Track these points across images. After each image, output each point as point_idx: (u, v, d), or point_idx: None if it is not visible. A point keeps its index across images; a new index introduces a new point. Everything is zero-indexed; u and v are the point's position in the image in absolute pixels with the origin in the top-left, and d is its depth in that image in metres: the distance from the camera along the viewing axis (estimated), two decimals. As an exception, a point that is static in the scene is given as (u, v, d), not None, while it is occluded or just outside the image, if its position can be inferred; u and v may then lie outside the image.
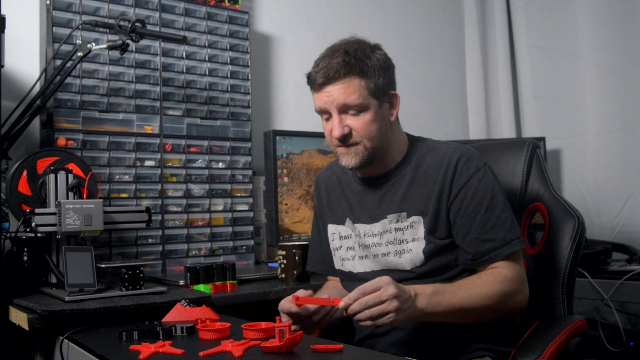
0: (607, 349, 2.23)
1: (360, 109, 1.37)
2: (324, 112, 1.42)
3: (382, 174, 1.48)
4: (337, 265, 1.57)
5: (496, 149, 1.74)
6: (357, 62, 1.37)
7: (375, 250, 1.46)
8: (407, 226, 1.41)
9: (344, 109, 1.38)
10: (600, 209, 2.74)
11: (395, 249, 1.42)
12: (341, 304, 1.20)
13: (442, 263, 1.40)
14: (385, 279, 1.21)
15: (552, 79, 2.93)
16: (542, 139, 2.82)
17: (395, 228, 1.43)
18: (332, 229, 1.58)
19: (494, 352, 1.39)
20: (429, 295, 1.26)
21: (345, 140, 1.39)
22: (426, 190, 1.41)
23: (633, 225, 2.63)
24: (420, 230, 1.40)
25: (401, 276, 1.41)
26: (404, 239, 1.41)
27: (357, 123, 1.38)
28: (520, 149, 1.67)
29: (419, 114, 3.06)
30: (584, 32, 2.80)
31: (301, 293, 1.33)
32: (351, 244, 1.52)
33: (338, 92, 1.36)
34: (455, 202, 1.39)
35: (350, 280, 1.52)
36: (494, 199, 1.38)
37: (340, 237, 1.55)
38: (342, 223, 1.54)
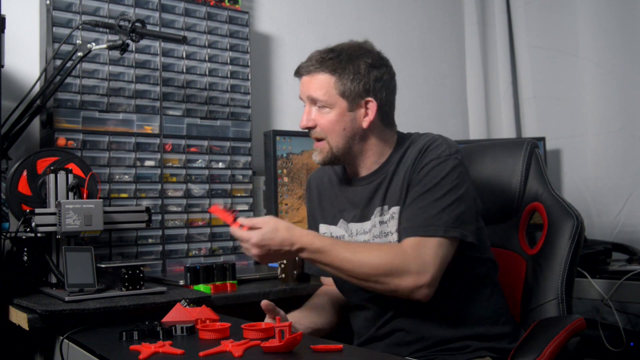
0: (607, 349, 2.23)
1: (324, 105, 1.42)
2: (302, 100, 1.48)
3: (369, 174, 1.49)
4: None
5: (495, 149, 1.74)
6: (332, 61, 1.41)
7: None
8: (389, 218, 1.42)
9: (312, 102, 1.44)
10: (600, 209, 2.73)
11: (380, 241, 1.43)
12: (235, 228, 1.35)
13: None
14: (266, 227, 1.31)
15: (552, 79, 2.93)
16: (542, 139, 2.81)
17: (380, 222, 1.44)
18: (323, 229, 1.59)
19: (494, 351, 1.39)
20: (312, 252, 1.32)
21: (309, 132, 1.46)
22: (401, 180, 1.42)
23: (633, 225, 2.63)
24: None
25: None
26: (388, 231, 1.41)
27: (321, 119, 1.43)
28: (519, 149, 1.67)
29: (419, 114, 3.05)
30: (584, 32, 2.80)
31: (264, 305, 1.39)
32: None
33: (308, 84, 1.44)
34: (411, 184, 1.39)
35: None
36: (437, 186, 1.35)
37: (332, 237, 1.55)
38: (335, 223, 1.55)
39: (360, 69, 1.41)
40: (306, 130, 1.48)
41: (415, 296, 1.31)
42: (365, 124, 1.43)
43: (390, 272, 1.29)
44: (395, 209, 1.41)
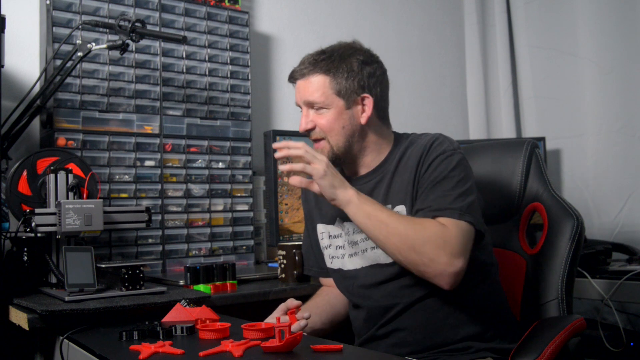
0: (607, 349, 2.23)
1: (321, 106, 1.44)
2: (299, 106, 1.49)
3: (368, 173, 1.50)
4: (327, 263, 1.58)
5: (495, 149, 1.74)
6: (325, 62, 1.43)
7: (364, 245, 1.47)
8: None
9: (309, 105, 1.45)
10: (600, 209, 2.74)
11: None
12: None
13: None
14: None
15: (552, 79, 2.93)
16: (542, 139, 2.82)
17: None
18: (321, 228, 1.59)
19: (495, 352, 1.39)
20: (362, 195, 1.34)
21: (309, 134, 1.48)
22: (406, 179, 1.43)
23: (633, 225, 2.63)
24: None
25: (388, 271, 1.41)
26: None
27: (320, 120, 1.45)
28: (519, 149, 1.67)
29: (419, 114, 3.05)
30: (584, 32, 2.80)
31: (290, 303, 1.41)
32: (341, 243, 1.53)
33: (303, 88, 1.45)
34: (421, 180, 1.40)
35: (340, 277, 1.54)
36: (446, 178, 1.36)
37: (329, 236, 1.56)
38: (332, 222, 1.55)
39: (353, 67, 1.43)
40: (306, 133, 1.49)
41: (443, 278, 1.28)
42: (363, 120, 1.45)
43: (428, 242, 1.27)
44: (400, 208, 1.42)
